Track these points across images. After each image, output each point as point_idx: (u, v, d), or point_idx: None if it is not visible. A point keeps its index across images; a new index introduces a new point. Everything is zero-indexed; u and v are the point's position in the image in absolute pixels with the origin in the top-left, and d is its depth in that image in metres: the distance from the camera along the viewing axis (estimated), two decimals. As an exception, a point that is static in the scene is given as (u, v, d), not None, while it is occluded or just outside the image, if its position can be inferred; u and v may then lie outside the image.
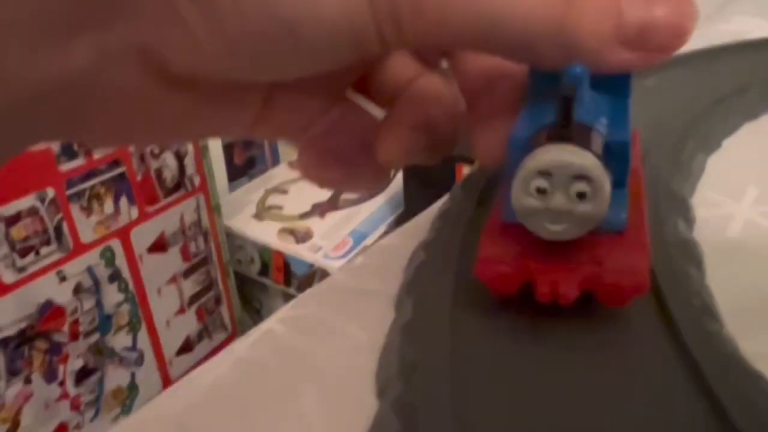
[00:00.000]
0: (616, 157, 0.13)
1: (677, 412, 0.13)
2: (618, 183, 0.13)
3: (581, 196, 0.13)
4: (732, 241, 0.20)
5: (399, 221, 0.95)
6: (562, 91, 0.12)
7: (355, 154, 0.16)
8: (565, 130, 0.13)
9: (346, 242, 0.92)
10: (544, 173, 0.13)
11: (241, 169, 1.12)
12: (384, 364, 0.15)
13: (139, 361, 0.88)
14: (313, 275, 0.90)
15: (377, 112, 0.17)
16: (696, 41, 0.41)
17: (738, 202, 0.23)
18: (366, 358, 0.16)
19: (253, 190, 1.07)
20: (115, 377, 0.85)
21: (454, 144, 0.17)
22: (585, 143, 0.13)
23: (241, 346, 0.18)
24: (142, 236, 0.85)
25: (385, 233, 0.92)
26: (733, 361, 0.13)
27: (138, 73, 0.13)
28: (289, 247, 0.92)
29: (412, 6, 0.12)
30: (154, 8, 0.12)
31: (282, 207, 1.01)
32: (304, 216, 0.98)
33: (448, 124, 0.16)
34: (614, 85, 0.14)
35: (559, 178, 0.12)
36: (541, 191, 0.13)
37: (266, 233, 0.96)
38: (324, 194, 1.03)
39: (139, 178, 0.83)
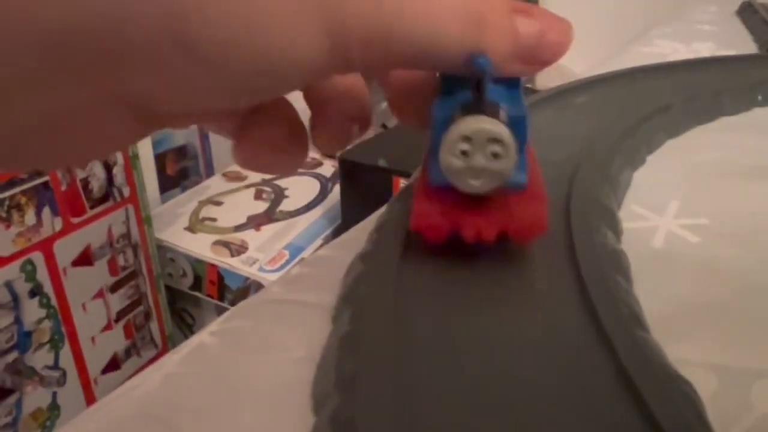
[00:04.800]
0: (516, 127, 0.16)
1: (605, 414, 0.13)
2: (519, 150, 0.16)
3: (495, 156, 0.16)
4: (655, 252, 0.21)
5: (336, 234, 0.94)
6: (475, 75, 0.15)
7: (283, 141, 0.18)
8: (479, 105, 0.16)
9: (283, 255, 0.91)
10: (466, 138, 0.16)
11: (173, 180, 1.09)
12: (321, 377, 0.15)
13: (62, 380, 0.83)
14: (248, 289, 0.88)
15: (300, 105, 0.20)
16: (619, 63, 0.43)
17: (661, 215, 0.24)
18: (302, 372, 0.16)
19: (186, 201, 1.04)
20: (35, 398, 0.80)
21: (366, 129, 0.20)
22: (495, 115, 0.16)
23: (170, 360, 0.17)
24: (67, 249, 0.81)
25: (322, 246, 0.92)
26: (659, 366, 0.14)
27: (119, 114, 0.14)
28: (223, 260, 0.90)
29: (363, 43, 0.14)
30: (149, 63, 0.12)
31: (216, 219, 0.99)
32: (239, 228, 0.96)
33: (364, 112, 0.19)
34: (508, 81, 0.17)
35: (478, 142, 0.16)
36: (463, 153, 0.16)
37: (199, 246, 0.93)
38: (260, 206, 1.01)
39: (63, 188, 0.79)
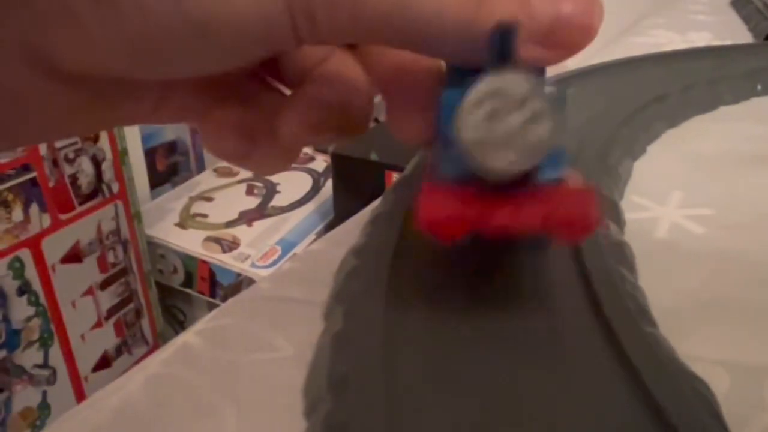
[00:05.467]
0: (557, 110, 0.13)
1: (615, 413, 0.12)
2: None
3: (533, 119, 0.12)
4: (659, 243, 0.21)
5: (328, 229, 0.93)
6: (503, 27, 0.12)
7: (261, 131, 0.16)
8: (508, 60, 0.12)
9: (275, 251, 0.90)
10: (494, 94, 0.12)
11: (163, 176, 1.08)
12: (312, 379, 0.14)
13: (51, 379, 0.82)
14: (240, 285, 0.88)
15: (286, 91, 0.16)
16: (614, 52, 0.42)
17: (663, 205, 0.23)
18: (292, 373, 0.15)
19: (176, 197, 1.03)
20: (24, 397, 0.79)
21: (363, 126, 0.16)
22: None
23: (154, 361, 0.16)
24: (55, 246, 0.80)
25: (314, 242, 0.91)
26: (670, 363, 0.13)
27: (23, 70, 0.12)
28: (214, 256, 0.89)
29: (327, 3, 0.12)
30: (46, 7, 0.11)
31: (207, 215, 0.98)
32: (231, 224, 0.95)
33: (353, 105, 0.16)
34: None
35: (509, 98, 0.12)
36: (490, 117, 0.12)
37: (190, 242, 0.92)
38: (251, 202, 1.00)
39: (51, 184, 0.78)
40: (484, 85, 0.12)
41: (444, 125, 0.13)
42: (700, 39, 0.53)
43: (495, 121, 0.12)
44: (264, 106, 0.16)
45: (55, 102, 0.13)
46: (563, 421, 0.12)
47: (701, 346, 0.15)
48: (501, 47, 0.12)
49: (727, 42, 0.50)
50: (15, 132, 0.14)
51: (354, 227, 0.21)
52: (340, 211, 0.92)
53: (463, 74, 0.13)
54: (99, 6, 0.11)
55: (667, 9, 0.66)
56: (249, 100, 0.16)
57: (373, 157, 0.85)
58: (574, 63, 0.44)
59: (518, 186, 0.13)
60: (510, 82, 0.12)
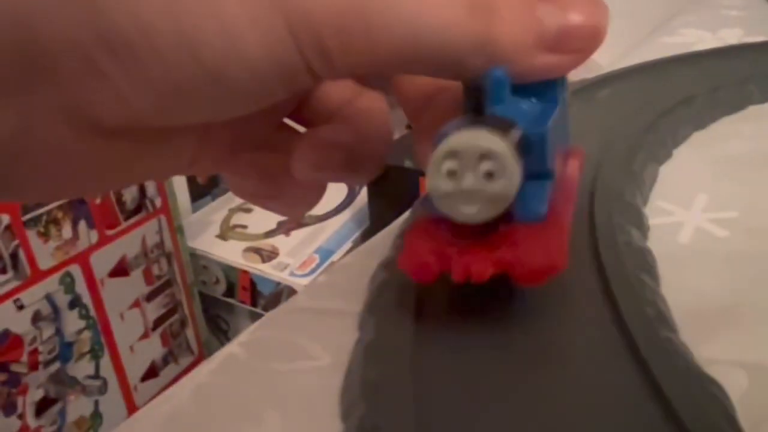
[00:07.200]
0: (533, 148, 0.13)
1: (631, 417, 0.13)
2: (537, 175, 0.14)
3: (490, 175, 0.13)
4: (682, 247, 0.21)
5: (365, 237, 0.95)
6: (473, 84, 0.13)
7: (282, 173, 0.16)
8: (477, 117, 0.13)
9: (313, 259, 0.92)
10: (453, 154, 0.13)
11: (203, 189, 1.11)
12: (348, 385, 0.15)
13: (103, 389, 0.86)
14: (280, 294, 0.89)
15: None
16: (644, 53, 0.42)
17: (688, 209, 0.23)
18: (330, 380, 0.16)
19: (216, 209, 1.05)
20: (78, 407, 0.82)
21: (372, 171, 0.17)
22: (499, 129, 0.13)
23: (201, 371, 0.17)
24: (103, 260, 0.83)
25: (351, 249, 0.92)
26: (685, 366, 0.14)
27: (67, 131, 0.13)
28: (254, 266, 0.91)
29: (338, 37, 0.12)
30: (74, 68, 0.11)
31: (246, 226, 1.00)
32: (269, 234, 0.97)
33: (364, 150, 0.16)
34: (544, 95, 0.15)
35: (466, 159, 0.13)
36: (451, 173, 0.13)
37: (231, 253, 0.95)
38: (289, 212, 1.02)
39: (98, 201, 0.81)
40: (443, 146, 0.13)
41: None
42: (732, 36, 0.52)
43: (455, 178, 0.13)
44: (287, 149, 0.16)
45: (98, 158, 0.14)
46: (580, 421, 0.13)
47: (721, 349, 0.16)
48: (474, 101, 0.13)
49: (761, 38, 0.49)
50: (62, 187, 0.15)
51: (387, 239, 0.22)
52: (376, 219, 0.93)
53: (479, 94, 0.14)
54: (121, 60, 0.11)
55: (700, 5, 0.66)
56: (273, 144, 0.16)
57: (408, 164, 0.86)
58: (608, 63, 0.44)
59: (495, 223, 0.14)
60: (466, 142, 0.13)
